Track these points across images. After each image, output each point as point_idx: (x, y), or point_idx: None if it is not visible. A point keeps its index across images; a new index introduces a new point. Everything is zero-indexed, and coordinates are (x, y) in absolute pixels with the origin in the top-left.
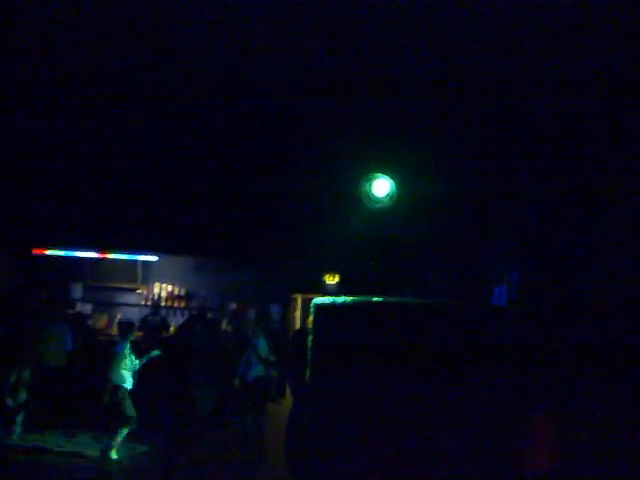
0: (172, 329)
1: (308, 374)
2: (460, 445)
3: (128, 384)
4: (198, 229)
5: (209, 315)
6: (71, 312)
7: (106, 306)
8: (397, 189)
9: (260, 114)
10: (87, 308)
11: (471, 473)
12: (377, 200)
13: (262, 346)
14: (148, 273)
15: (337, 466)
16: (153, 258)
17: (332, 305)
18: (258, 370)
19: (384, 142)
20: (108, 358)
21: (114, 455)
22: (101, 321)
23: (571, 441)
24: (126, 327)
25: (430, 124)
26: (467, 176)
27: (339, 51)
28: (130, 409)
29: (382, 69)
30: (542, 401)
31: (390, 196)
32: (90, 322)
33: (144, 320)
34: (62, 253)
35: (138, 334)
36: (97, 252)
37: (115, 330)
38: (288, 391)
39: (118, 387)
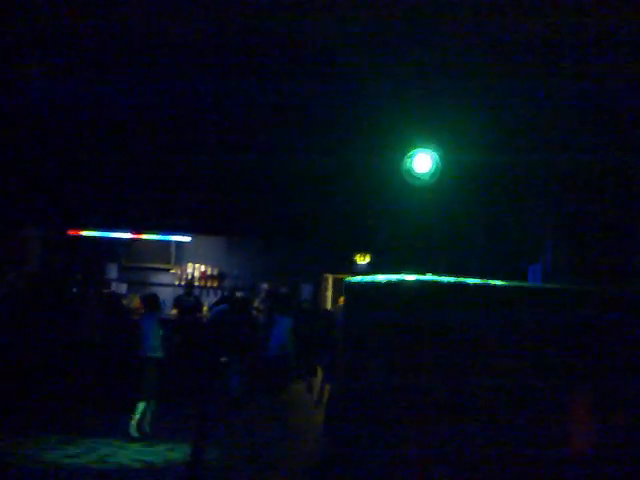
0: (205, 309)
1: (342, 351)
2: (503, 423)
3: (156, 354)
4: (230, 209)
5: (239, 295)
6: (105, 292)
7: (140, 286)
8: (440, 165)
9: (298, 90)
10: (122, 288)
11: (513, 450)
12: (418, 177)
13: (284, 325)
14: (181, 253)
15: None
16: (186, 238)
17: (365, 283)
18: (277, 348)
19: (426, 116)
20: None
21: (134, 432)
22: (136, 301)
23: (612, 422)
24: (150, 300)
25: (475, 98)
26: (509, 150)
27: (378, 22)
28: (150, 382)
29: (424, 39)
30: (585, 381)
31: (432, 173)
32: (125, 302)
33: (178, 300)
34: (97, 234)
35: (172, 312)
36: (131, 233)
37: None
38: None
39: (147, 359)
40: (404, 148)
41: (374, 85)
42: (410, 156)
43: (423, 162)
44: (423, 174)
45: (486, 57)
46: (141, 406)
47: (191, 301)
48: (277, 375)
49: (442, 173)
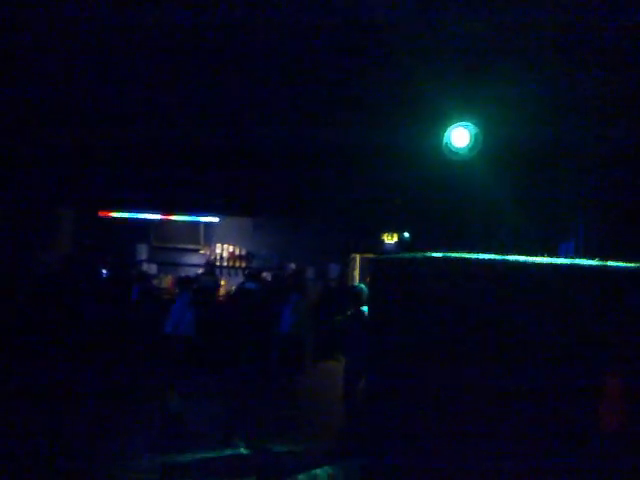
0: (222, 289)
1: (367, 330)
2: (532, 405)
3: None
4: (259, 189)
5: (264, 275)
6: (135, 272)
7: (170, 266)
8: (479, 139)
9: (334, 64)
10: (152, 268)
11: (543, 433)
12: (457, 151)
13: (297, 305)
14: (210, 234)
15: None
16: (215, 219)
17: (392, 260)
18: (289, 327)
19: (465, 90)
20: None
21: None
22: (166, 281)
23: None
24: (184, 281)
25: (514, 72)
26: (547, 125)
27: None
28: (181, 360)
29: (464, 13)
30: (615, 362)
31: (471, 147)
32: (155, 282)
33: (197, 279)
34: (127, 215)
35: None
36: (161, 214)
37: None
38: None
39: (177, 337)
40: (442, 122)
41: (412, 59)
42: (448, 130)
43: (461, 136)
44: (461, 148)
45: (526, 31)
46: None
47: (210, 281)
48: (290, 355)
49: (481, 148)
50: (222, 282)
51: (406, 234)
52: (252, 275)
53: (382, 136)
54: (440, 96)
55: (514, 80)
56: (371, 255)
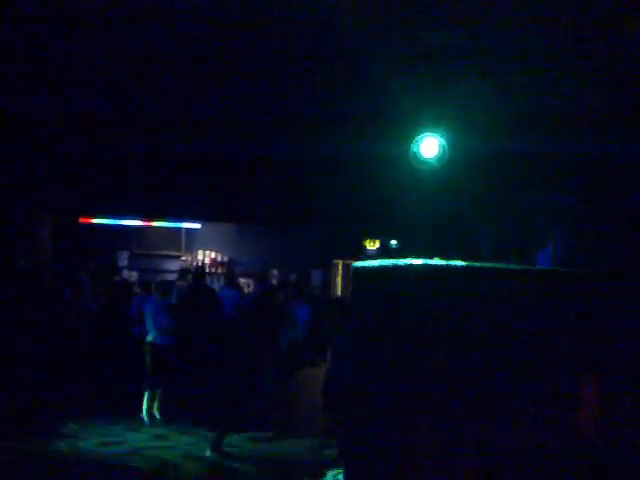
0: None
1: (350, 335)
2: (510, 410)
3: (157, 340)
4: (240, 196)
5: (242, 281)
6: (116, 279)
7: (151, 273)
8: (447, 150)
9: (303, 73)
10: (133, 275)
11: (521, 435)
12: (425, 161)
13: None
14: (192, 240)
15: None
16: (196, 225)
17: (372, 268)
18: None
19: (433, 100)
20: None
21: (145, 418)
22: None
23: (618, 406)
24: (147, 285)
25: (481, 84)
26: (516, 136)
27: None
28: (152, 367)
29: (433, 22)
30: (592, 365)
31: (439, 157)
32: (136, 289)
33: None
34: (108, 222)
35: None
36: (142, 220)
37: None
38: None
39: (147, 343)
40: (412, 133)
41: (382, 70)
42: (417, 141)
43: (430, 147)
44: (430, 159)
45: (495, 41)
46: (146, 393)
47: (184, 287)
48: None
49: (449, 158)
50: None
51: (393, 241)
52: (229, 281)
53: (356, 145)
54: (410, 108)
55: (480, 92)
56: (353, 261)
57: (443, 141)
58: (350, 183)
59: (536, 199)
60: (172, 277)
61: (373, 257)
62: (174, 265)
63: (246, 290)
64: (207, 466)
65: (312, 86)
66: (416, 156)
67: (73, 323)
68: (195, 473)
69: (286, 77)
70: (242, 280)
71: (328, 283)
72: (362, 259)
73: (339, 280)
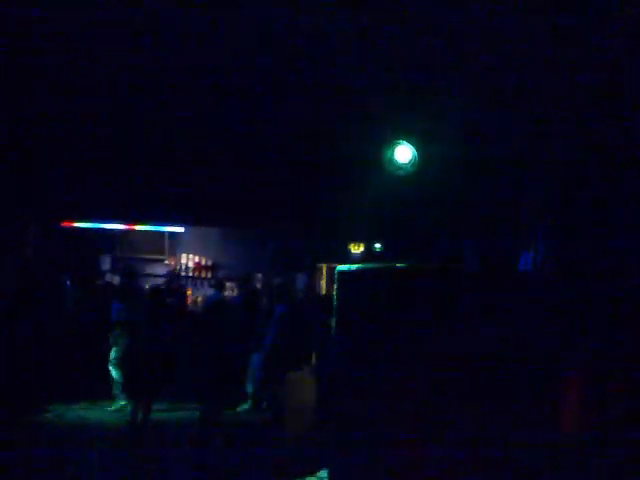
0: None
1: (333, 337)
2: (492, 406)
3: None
4: (223, 200)
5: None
6: (100, 283)
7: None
8: (419, 155)
9: (283, 82)
10: (116, 279)
11: (504, 433)
12: (399, 167)
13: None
14: (175, 244)
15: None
16: (179, 229)
17: (354, 271)
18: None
19: (407, 108)
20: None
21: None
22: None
23: (601, 403)
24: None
25: (454, 91)
26: (493, 141)
27: (360, 14)
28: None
29: (406, 36)
30: (573, 362)
31: (412, 163)
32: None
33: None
34: (91, 225)
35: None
36: (125, 224)
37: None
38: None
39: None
40: (387, 139)
41: (357, 77)
42: (391, 146)
43: (404, 153)
44: (404, 164)
45: (467, 49)
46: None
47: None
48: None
49: (423, 163)
50: (188, 292)
51: (377, 245)
52: (216, 284)
53: (336, 151)
54: (383, 115)
55: (453, 98)
56: (338, 265)
57: (416, 146)
58: (333, 187)
59: (517, 202)
60: (157, 281)
61: (357, 261)
62: (158, 269)
63: (230, 293)
64: None
65: (288, 94)
66: (391, 162)
67: (54, 327)
68: None
69: (262, 86)
70: (227, 284)
71: (312, 286)
72: (348, 263)
73: (323, 283)
